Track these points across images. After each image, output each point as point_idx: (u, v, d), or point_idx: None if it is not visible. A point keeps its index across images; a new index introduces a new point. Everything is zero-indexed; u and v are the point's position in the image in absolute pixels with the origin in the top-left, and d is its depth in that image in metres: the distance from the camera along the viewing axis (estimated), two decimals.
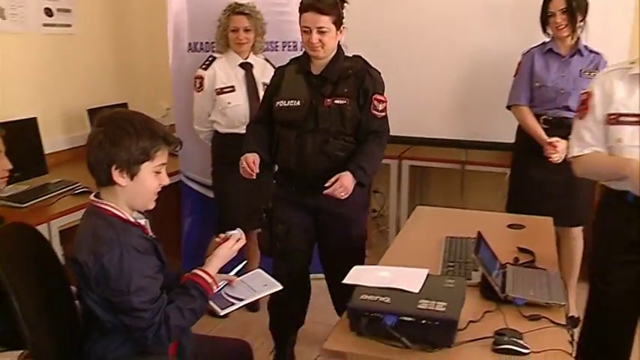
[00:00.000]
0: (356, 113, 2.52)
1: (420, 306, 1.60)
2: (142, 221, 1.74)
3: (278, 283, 1.95)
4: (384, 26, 4.04)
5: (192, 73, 3.34)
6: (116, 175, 1.61)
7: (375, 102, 2.54)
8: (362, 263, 2.48)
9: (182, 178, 3.66)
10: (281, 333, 2.87)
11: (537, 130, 3.07)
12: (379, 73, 2.63)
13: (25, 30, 3.39)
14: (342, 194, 2.41)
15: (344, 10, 2.51)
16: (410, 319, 1.57)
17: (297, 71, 2.60)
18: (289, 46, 3.58)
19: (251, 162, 2.50)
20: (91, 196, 1.70)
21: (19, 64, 3.36)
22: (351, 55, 2.63)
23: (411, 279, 1.74)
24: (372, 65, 2.64)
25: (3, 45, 3.26)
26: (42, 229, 2.52)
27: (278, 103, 2.58)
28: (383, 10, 4.06)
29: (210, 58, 3.28)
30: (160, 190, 1.72)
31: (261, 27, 3.26)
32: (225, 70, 3.21)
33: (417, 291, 1.68)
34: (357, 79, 2.53)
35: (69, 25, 3.70)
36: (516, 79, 3.19)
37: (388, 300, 1.64)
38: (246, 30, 3.17)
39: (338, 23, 2.48)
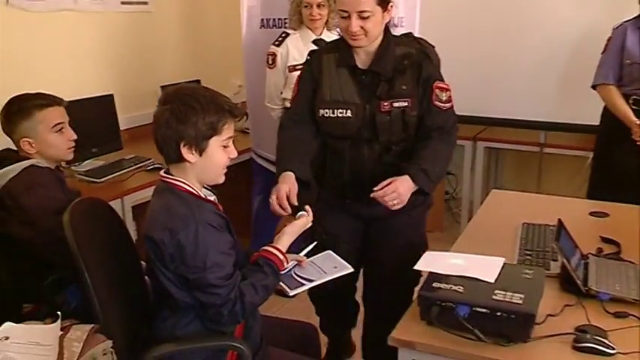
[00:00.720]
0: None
1: (495, 297, 1.51)
2: (212, 198, 1.73)
3: (348, 266, 1.89)
4: None
5: (264, 49, 3.30)
6: (185, 151, 1.59)
7: (437, 91, 2.07)
8: (417, 280, 2.22)
9: (253, 156, 3.65)
10: (332, 336, 2.65)
11: (626, 111, 2.87)
12: (436, 54, 2.19)
13: (105, 9, 3.45)
14: (395, 203, 1.95)
15: None
16: (484, 310, 1.49)
17: (338, 64, 2.11)
18: None
19: (284, 196, 1.96)
20: (161, 172, 1.68)
21: (97, 42, 3.43)
22: (400, 36, 2.17)
23: (486, 268, 1.65)
24: (427, 42, 2.19)
25: (83, 24, 3.33)
26: (115, 204, 2.59)
27: (322, 111, 2.10)
28: None
29: (283, 35, 3.23)
30: (229, 163, 1.69)
31: (334, 2, 3.17)
32: (297, 47, 3.15)
33: (492, 281, 1.59)
34: (416, 68, 2.06)
35: (145, 3, 3.74)
36: (604, 55, 2.98)
37: (461, 289, 1.56)
38: (320, 5, 3.09)
39: (384, 2, 1.98)
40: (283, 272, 1.82)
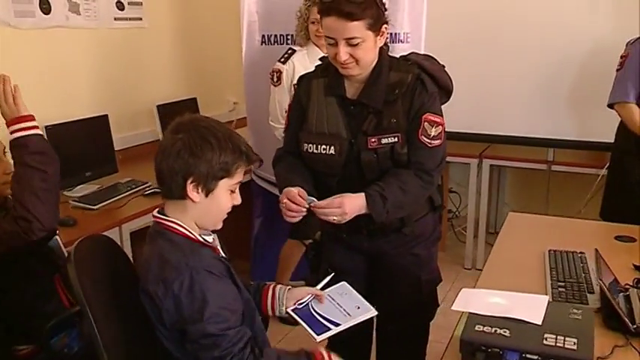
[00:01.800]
0: None
1: (546, 342, 1.38)
2: (211, 238, 1.54)
3: (370, 307, 1.72)
4: (463, 11, 3.78)
5: (265, 66, 3.17)
6: (191, 189, 1.42)
7: (426, 124, 1.80)
8: (432, 315, 2.13)
9: (253, 177, 3.50)
10: None
11: None
12: (448, 78, 1.97)
13: (98, 25, 3.28)
14: (335, 219, 1.75)
15: None
16: (535, 357, 1.35)
17: (326, 92, 1.89)
18: None
19: (296, 194, 1.76)
20: (155, 212, 1.51)
21: (90, 59, 3.25)
22: (399, 58, 1.91)
23: (529, 307, 1.51)
24: (436, 61, 1.97)
25: (75, 41, 3.16)
26: (113, 232, 2.43)
27: (306, 146, 1.89)
28: None
29: (289, 51, 3.09)
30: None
31: None
32: (304, 64, 3.00)
33: (539, 323, 1.45)
34: (408, 98, 1.81)
35: (139, 19, 3.58)
36: (622, 73, 2.85)
37: (508, 333, 1.41)
38: None
39: (376, 25, 1.74)
40: (301, 306, 1.68)
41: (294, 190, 1.77)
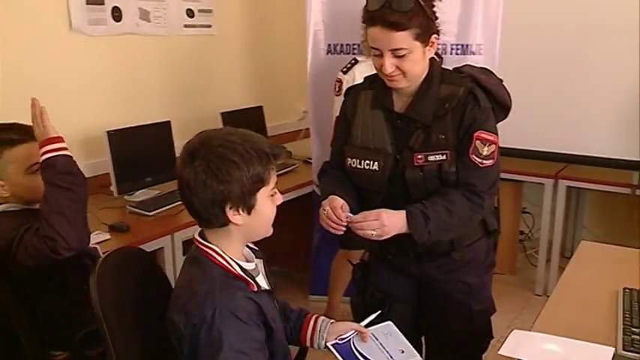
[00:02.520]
0: None
1: None
2: (252, 265, 1.44)
3: (416, 353, 1.58)
4: (542, 21, 3.54)
5: (330, 75, 3.09)
6: (232, 214, 1.31)
7: (478, 142, 1.65)
8: (485, 347, 1.95)
9: (314, 188, 3.41)
10: None
11: None
12: (506, 93, 1.79)
13: (167, 32, 3.31)
14: (373, 234, 1.62)
15: (435, 8, 1.66)
16: None
17: (373, 105, 1.78)
18: (439, 50, 3.17)
19: (339, 208, 1.64)
20: (196, 235, 1.41)
21: (158, 66, 3.28)
22: (452, 70, 1.77)
23: (590, 358, 1.33)
24: (493, 75, 1.81)
25: (145, 48, 3.19)
26: (165, 240, 2.40)
27: (349, 160, 1.77)
28: (540, 5, 3.55)
29: (352, 61, 3.01)
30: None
31: None
32: (365, 75, 2.90)
33: None
34: (459, 112, 1.67)
35: (209, 26, 3.59)
36: None
37: None
38: None
39: (425, 35, 1.61)
40: (342, 341, 1.55)
41: (339, 201, 1.66)
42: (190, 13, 3.44)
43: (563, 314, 1.77)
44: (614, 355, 1.36)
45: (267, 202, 1.37)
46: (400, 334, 1.63)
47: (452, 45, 3.14)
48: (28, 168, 1.75)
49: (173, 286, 1.58)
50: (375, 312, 1.67)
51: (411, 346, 1.60)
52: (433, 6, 1.64)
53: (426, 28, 1.61)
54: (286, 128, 4.18)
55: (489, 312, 1.95)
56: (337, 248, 3.24)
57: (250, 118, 3.63)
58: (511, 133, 3.55)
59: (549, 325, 1.64)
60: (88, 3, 2.86)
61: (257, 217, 1.36)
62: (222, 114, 3.39)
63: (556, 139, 3.56)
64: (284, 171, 3.33)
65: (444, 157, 1.67)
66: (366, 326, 1.62)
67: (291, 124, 4.22)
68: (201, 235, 1.40)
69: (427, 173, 1.68)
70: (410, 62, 1.61)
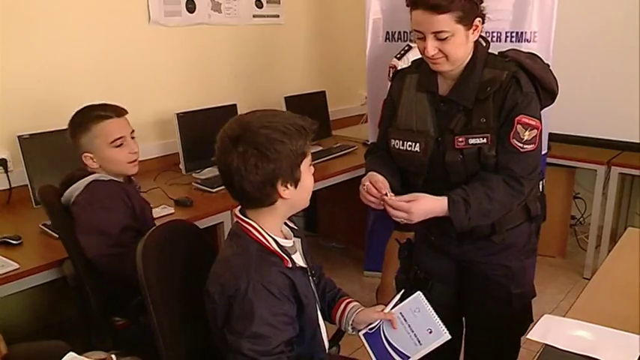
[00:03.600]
0: None
1: None
2: (290, 242, 1.40)
3: (444, 330, 1.49)
4: (595, 11, 3.32)
5: (387, 62, 2.97)
6: (282, 190, 1.29)
7: (519, 127, 1.55)
8: (524, 330, 1.83)
9: None
10: None
11: None
12: (553, 79, 1.67)
13: (237, 22, 3.30)
14: (402, 220, 1.57)
15: None
16: None
17: (417, 88, 1.69)
18: (494, 38, 3.01)
19: (379, 182, 1.60)
20: (236, 211, 1.38)
21: (227, 53, 3.28)
22: (496, 55, 1.66)
23: (618, 347, 1.23)
24: (540, 59, 1.68)
25: (216, 37, 3.20)
26: (225, 216, 2.39)
27: (393, 142, 1.71)
28: None
29: (406, 48, 2.89)
30: None
31: None
32: None
33: None
34: (500, 96, 1.58)
35: (277, 16, 3.56)
36: None
37: None
38: None
39: (468, 18, 1.52)
40: (372, 330, 1.50)
41: (378, 177, 1.61)
42: (259, 4, 3.42)
43: (601, 301, 1.64)
44: None
45: (308, 174, 1.35)
46: (428, 307, 1.53)
47: (507, 32, 2.96)
48: (112, 142, 1.84)
49: None
50: (399, 294, 1.59)
51: (439, 322, 1.51)
52: None
53: (469, 11, 1.52)
54: (348, 113, 4.11)
55: (529, 296, 1.85)
56: (391, 228, 3.18)
57: (313, 103, 3.59)
58: (565, 119, 3.39)
59: (585, 311, 1.52)
60: None
61: (301, 189, 1.34)
62: (286, 98, 3.36)
63: (610, 126, 3.34)
64: (343, 153, 3.29)
65: (485, 140, 1.57)
66: (394, 306, 1.54)
67: (353, 109, 4.15)
68: (241, 211, 1.37)
69: (467, 156, 1.59)
70: (452, 45, 1.53)
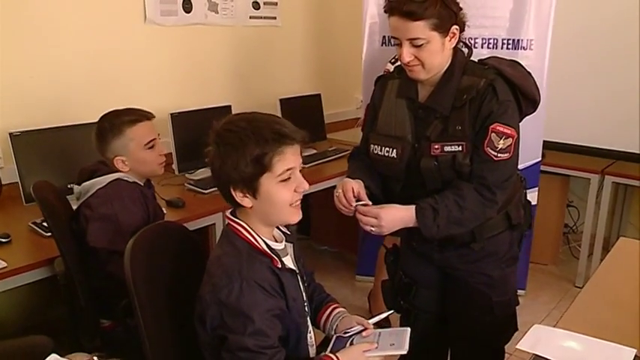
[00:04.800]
0: None
1: None
2: (280, 245, 1.39)
3: (406, 345, 1.40)
4: (591, 20, 3.33)
5: (383, 66, 2.95)
6: (238, 196, 1.27)
7: (494, 135, 1.53)
8: (507, 338, 1.83)
9: None
10: None
11: None
12: (534, 86, 1.64)
13: (234, 23, 3.29)
14: (372, 230, 1.56)
15: None
16: None
17: (398, 93, 1.68)
18: (490, 44, 3.01)
19: (349, 189, 1.59)
20: (228, 212, 1.38)
21: (223, 54, 3.27)
22: (476, 62, 1.64)
23: (609, 359, 1.22)
24: (521, 67, 1.66)
25: (212, 37, 3.19)
26: (217, 217, 2.38)
27: (372, 147, 1.70)
28: (592, 2, 3.32)
29: None
30: (300, 197, 1.32)
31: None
32: None
33: None
34: (476, 104, 1.55)
35: (274, 18, 3.55)
36: None
37: None
38: None
39: (444, 26, 1.51)
40: (345, 335, 1.46)
41: (352, 185, 1.60)
42: (256, 6, 3.41)
43: (592, 311, 1.64)
44: (634, 357, 1.24)
45: (277, 188, 1.27)
46: (406, 344, 1.42)
47: (503, 39, 2.98)
48: (146, 144, 1.87)
49: None
50: (387, 312, 1.58)
51: (406, 342, 1.42)
52: None
53: (446, 18, 1.51)
54: (344, 116, 4.10)
55: (511, 304, 1.83)
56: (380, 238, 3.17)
57: (308, 105, 3.58)
58: (559, 127, 3.40)
59: (576, 321, 1.52)
60: None
61: (266, 201, 1.27)
62: (281, 100, 3.34)
63: (604, 135, 3.34)
64: (337, 156, 3.28)
65: (460, 148, 1.56)
66: (377, 325, 1.50)
67: (349, 113, 4.14)
68: (232, 212, 1.37)
69: (442, 163, 1.58)
70: (427, 52, 1.52)
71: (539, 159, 3.15)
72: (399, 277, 1.86)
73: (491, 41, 2.97)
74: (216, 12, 3.19)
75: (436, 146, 1.58)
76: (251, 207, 1.29)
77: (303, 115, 3.49)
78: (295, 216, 1.34)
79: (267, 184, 1.26)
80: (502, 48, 2.97)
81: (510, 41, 2.96)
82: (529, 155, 2.97)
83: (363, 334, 1.44)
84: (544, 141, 3.11)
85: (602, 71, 3.30)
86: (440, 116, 1.59)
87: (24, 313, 2.46)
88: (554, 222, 3.69)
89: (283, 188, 1.28)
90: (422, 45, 1.51)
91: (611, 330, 1.43)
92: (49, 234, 1.94)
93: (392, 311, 1.61)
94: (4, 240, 1.98)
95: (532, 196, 2.53)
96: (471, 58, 1.66)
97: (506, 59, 1.69)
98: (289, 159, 1.27)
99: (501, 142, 1.53)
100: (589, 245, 3.50)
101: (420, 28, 1.48)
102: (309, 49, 3.83)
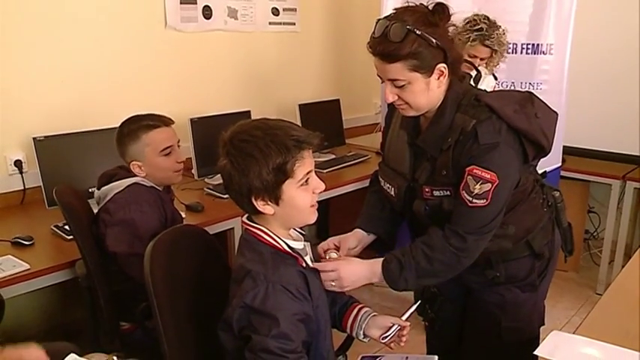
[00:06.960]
0: None
1: None
2: (300, 244, 1.39)
3: None
4: (611, 24, 3.30)
5: None
6: (260, 204, 1.26)
7: (470, 178, 1.40)
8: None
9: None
10: None
11: None
12: (539, 129, 1.46)
13: (253, 29, 3.31)
14: (332, 285, 1.44)
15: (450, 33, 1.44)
16: None
17: (401, 124, 1.59)
18: (509, 49, 2.94)
19: (328, 243, 1.62)
20: (244, 218, 1.37)
21: (243, 60, 3.29)
22: (473, 97, 1.47)
23: None
24: (530, 108, 1.46)
25: (232, 43, 3.21)
26: (235, 222, 2.38)
27: (380, 180, 1.65)
28: (613, 6, 3.27)
29: None
30: (317, 200, 1.32)
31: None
32: None
33: None
34: (459, 147, 1.44)
35: (293, 24, 3.57)
36: None
37: None
38: None
39: (426, 67, 1.39)
40: (385, 339, 1.47)
41: (328, 243, 1.63)
42: (276, 12, 3.44)
43: (613, 318, 1.60)
44: None
45: (298, 192, 1.27)
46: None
47: (522, 44, 2.96)
48: (162, 150, 1.87)
49: (230, 263, 1.58)
50: (415, 304, 1.57)
51: None
52: (444, 32, 1.41)
53: (427, 58, 1.39)
54: (363, 121, 4.10)
55: (522, 334, 1.70)
56: (406, 237, 3.15)
57: (327, 110, 3.59)
58: (580, 133, 3.36)
59: (596, 327, 1.49)
60: (181, 2, 2.92)
61: (288, 207, 1.28)
62: (300, 105, 3.36)
63: (626, 140, 3.29)
64: (356, 161, 3.28)
65: (448, 192, 1.48)
66: (408, 319, 1.50)
67: (368, 118, 4.14)
68: (249, 217, 1.36)
69: (432, 207, 1.50)
70: (410, 93, 1.42)
71: (560, 164, 3.11)
72: (428, 287, 1.78)
73: (511, 46, 2.94)
74: (236, 18, 3.22)
75: (427, 189, 1.50)
76: (273, 213, 1.29)
77: (322, 120, 3.50)
78: (313, 216, 1.34)
79: (289, 191, 1.26)
80: (522, 53, 2.95)
81: (530, 46, 2.94)
82: (549, 160, 2.93)
83: (401, 332, 1.45)
84: (564, 146, 3.07)
85: (622, 75, 3.25)
86: (430, 157, 1.51)
87: (45, 314, 2.50)
88: (575, 228, 3.53)
89: (304, 192, 1.29)
90: (403, 86, 1.41)
91: (631, 337, 1.40)
92: (71, 237, 1.97)
93: (419, 302, 1.58)
94: (27, 242, 2.01)
95: None
96: (478, 86, 1.61)
97: (519, 93, 1.54)
98: (307, 163, 1.27)
99: (477, 186, 1.40)
100: (610, 252, 3.45)
101: (398, 70, 1.39)
102: (328, 55, 3.84)
